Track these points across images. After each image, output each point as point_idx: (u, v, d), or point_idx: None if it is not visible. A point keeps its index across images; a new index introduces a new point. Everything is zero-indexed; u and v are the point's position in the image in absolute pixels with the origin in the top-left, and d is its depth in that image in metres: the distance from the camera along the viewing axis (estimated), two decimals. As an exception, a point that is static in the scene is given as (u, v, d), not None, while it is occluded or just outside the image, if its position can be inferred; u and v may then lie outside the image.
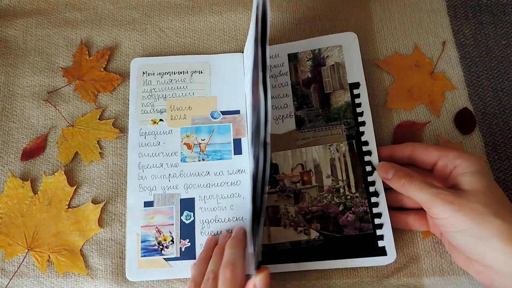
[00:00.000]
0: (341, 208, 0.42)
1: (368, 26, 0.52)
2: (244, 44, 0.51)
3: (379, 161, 0.43)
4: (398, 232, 0.43)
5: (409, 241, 0.43)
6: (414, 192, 0.38)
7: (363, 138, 0.44)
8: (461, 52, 0.50)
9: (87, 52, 0.50)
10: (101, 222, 0.44)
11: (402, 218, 0.42)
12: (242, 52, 0.49)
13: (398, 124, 0.47)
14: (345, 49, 0.47)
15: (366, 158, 0.43)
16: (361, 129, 0.44)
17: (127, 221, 0.43)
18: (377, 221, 0.42)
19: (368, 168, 0.43)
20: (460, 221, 0.35)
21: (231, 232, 0.42)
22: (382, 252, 0.41)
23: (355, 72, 0.46)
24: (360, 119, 0.45)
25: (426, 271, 0.42)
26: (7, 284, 0.42)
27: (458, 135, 0.47)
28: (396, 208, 0.43)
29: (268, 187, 0.43)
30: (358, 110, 0.45)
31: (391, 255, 0.41)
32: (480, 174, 0.37)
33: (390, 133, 0.47)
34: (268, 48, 0.33)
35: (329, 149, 0.44)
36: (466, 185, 0.36)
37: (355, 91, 0.46)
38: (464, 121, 0.47)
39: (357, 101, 0.45)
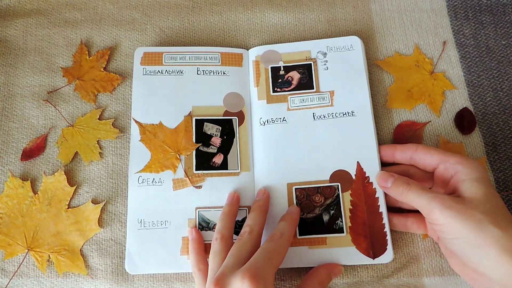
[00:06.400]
0: None
1: (368, 26, 0.52)
2: (244, 43, 0.51)
3: (380, 161, 0.43)
4: (398, 232, 0.43)
5: (409, 241, 0.43)
6: (413, 198, 0.38)
7: None
8: (461, 52, 0.50)
9: (87, 52, 0.50)
10: (101, 222, 0.44)
11: (401, 221, 0.42)
12: (247, 49, 0.50)
13: (398, 124, 0.47)
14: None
15: None
16: None
17: (129, 208, 0.43)
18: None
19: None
20: (458, 228, 0.35)
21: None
22: None
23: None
24: None
25: (426, 271, 0.42)
26: (7, 284, 0.42)
27: (458, 135, 0.47)
28: (394, 209, 0.43)
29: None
30: None
31: (388, 255, 0.41)
32: (480, 182, 0.37)
33: (390, 133, 0.47)
34: None
35: None
36: (466, 192, 0.36)
37: None
38: (464, 121, 0.47)
39: None
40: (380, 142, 0.46)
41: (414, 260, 0.43)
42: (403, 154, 0.42)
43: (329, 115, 0.46)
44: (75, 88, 0.49)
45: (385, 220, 0.42)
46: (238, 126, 0.46)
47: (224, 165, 0.45)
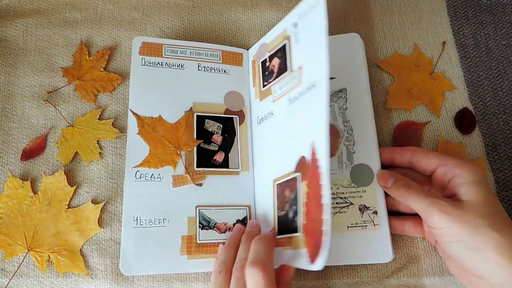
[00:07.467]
0: None
1: (368, 26, 0.52)
2: (244, 44, 0.51)
3: (380, 163, 0.43)
4: (398, 232, 0.43)
5: (409, 241, 0.43)
6: (412, 201, 0.38)
7: None
8: (461, 52, 0.50)
9: (87, 52, 0.50)
10: (101, 222, 0.44)
11: (398, 224, 0.42)
12: (247, 49, 0.49)
13: (398, 124, 0.47)
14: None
15: None
16: None
17: (124, 205, 0.42)
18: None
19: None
20: (456, 232, 0.35)
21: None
22: None
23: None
24: None
25: (426, 271, 0.42)
26: (7, 284, 0.42)
27: (458, 135, 0.47)
28: (393, 212, 0.43)
29: None
30: None
31: (388, 254, 0.41)
32: (479, 185, 0.37)
33: (390, 133, 0.47)
34: None
35: None
36: (464, 195, 0.36)
37: None
38: (464, 121, 0.47)
39: None
40: (380, 142, 0.46)
41: (414, 260, 0.43)
42: (401, 157, 0.42)
43: (300, 95, 0.39)
44: (75, 88, 0.49)
45: (327, 215, 0.32)
46: (239, 125, 0.46)
47: (225, 164, 0.45)
